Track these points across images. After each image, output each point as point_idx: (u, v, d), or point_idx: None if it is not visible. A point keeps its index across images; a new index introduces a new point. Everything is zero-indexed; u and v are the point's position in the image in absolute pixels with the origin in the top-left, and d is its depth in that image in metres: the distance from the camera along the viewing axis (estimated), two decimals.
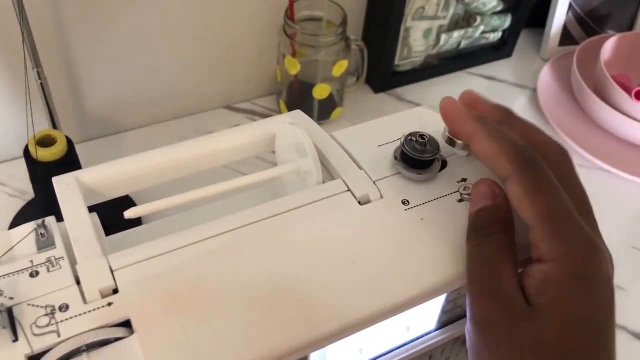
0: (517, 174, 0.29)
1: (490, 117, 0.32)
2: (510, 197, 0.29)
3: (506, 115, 0.33)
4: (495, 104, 0.33)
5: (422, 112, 0.38)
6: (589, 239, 0.27)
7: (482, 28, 0.75)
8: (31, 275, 0.28)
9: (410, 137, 0.33)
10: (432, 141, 0.33)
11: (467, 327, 0.29)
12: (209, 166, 0.36)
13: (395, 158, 0.34)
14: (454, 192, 0.33)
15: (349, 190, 0.33)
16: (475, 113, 0.32)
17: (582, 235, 0.27)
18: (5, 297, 0.27)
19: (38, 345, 0.25)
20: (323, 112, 0.68)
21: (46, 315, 0.26)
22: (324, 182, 0.34)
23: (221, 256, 0.29)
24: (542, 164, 0.29)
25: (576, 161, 0.32)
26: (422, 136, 0.32)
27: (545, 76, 0.77)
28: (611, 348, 0.27)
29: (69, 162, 0.49)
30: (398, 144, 0.34)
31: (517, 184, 0.28)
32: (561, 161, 0.31)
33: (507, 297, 0.27)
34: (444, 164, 0.34)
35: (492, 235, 0.29)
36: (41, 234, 0.30)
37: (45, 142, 0.49)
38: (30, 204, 0.57)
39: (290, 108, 0.67)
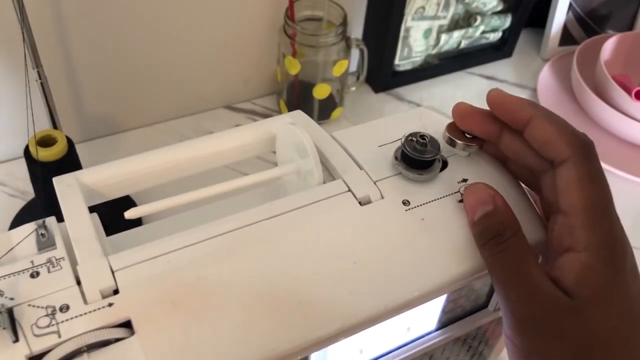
0: (575, 158, 0.28)
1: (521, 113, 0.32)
2: (560, 181, 0.29)
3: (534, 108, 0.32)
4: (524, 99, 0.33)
5: (422, 112, 0.38)
6: (622, 232, 0.28)
7: (482, 28, 0.75)
8: (31, 276, 0.28)
9: (410, 137, 0.33)
10: (433, 141, 0.33)
11: (508, 334, 0.29)
12: (209, 166, 0.36)
13: (396, 158, 0.34)
14: (455, 193, 0.33)
15: (349, 190, 0.33)
16: (526, 100, 0.32)
17: (618, 227, 0.28)
18: (6, 297, 0.27)
19: (38, 346, 0.25)
20: (323, 112, 0.68)
21: (46, 315, 0.26)
22: (324, 182, 0.34)
23: (222, 256, 0.29)
24: (597, 154, 0.29)
25: None
26: (422, 136, 0.32)
27: (545, 76, 0.77)
28: None
29: (69, 162, 0.49)
30: (398, 144, 0.34)
31: (573, 168, 0.28)
32: (591, 154, 0.30)
33: (547, 295, 0.27)
34: (445, 164, 0.34)
35: (508, 239, 0.29)
36: (41, 234, 0.30)
37: (46, 142, 0.49)
38: (30, 204, 0.57)
39: (290, 108, 0.67)
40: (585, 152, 0.29)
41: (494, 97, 0.32)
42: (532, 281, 0.28)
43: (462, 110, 0.33)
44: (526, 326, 0.28)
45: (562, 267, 0.28)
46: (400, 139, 0.33)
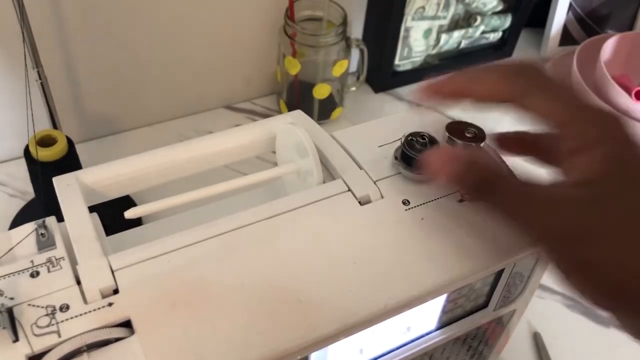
0: (526, 87, 0.28)
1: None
2: (532, 111, 0.29)
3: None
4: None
5: (422, 112, 0.38)
6: (607, 112, 0.28)
7: (482, 28, 0.75)
8: (31, 276, 0.28)
9: (410, 137, 0.33)
10: (432, 141, 0.33)
11: (553, 253, 0.27)
12: (209, 166, 0.36)
13: (396, 158, 0.34)
14: (454, 192, 0.33)
15: (349, 190, 0.33)
16: (459, 73, 0.31)
17: (601, 110, 0.28)
18: (6, 297, 0.27)
19: (38, 346, 0.25)
20: (323, 112, 0.68)
21: (46, 315, 0.26)
22: (324, 182, 0.34)
23: (222, 256, 0.29)
24: (541, 68, 0.29)
25: None
26: (422, 136, 0.32)
27: None
28: None
29: (69, 162, 0.49)
30: (398, 144, 0.34)
31: (531, 96, 0.28)
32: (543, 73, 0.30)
33: (568, 200, 0.26)
34: None
35: (496, 180, 0.28)
36: (41, 234, 0.30)
37: (46, 141, 0.49)
38: (30, 204, 0.57)
39: (290, 108, 0.67)
40: (530, 74, 0.29)
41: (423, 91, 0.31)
42: (543, 195, 0.27)
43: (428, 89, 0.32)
44: (560, 243, 0.26)
45: (571, 173, 0.27)
46: (400, 138, 0.33)
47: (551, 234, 0.26)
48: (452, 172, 0.29)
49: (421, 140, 0.32)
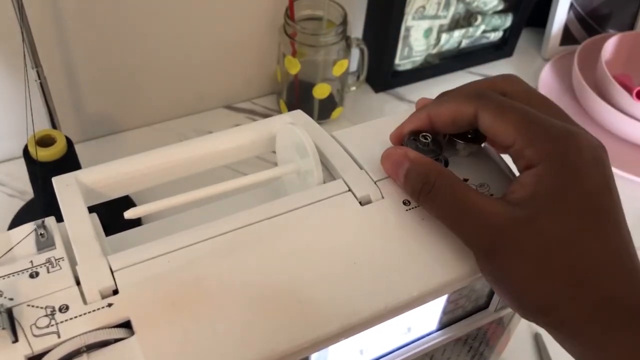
0: (482, 104, 0.30)
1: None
2: (485, 129, 0.30)
3: (446, 92, 0.33)
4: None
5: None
6: (565, 129, 0.28)
7: (482, 27, 0.75)
8: (31, 276, 0.28)
9: (413, 137, 0.33)
10: (435, 141, 0.32)
11: (480, 269, 0.29)
12: (209, 166, 0.36)
13: None
14: None
15: (349, 190, 0.33)
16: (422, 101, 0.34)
17: (558, 130, 0.28)
18: (5, 297, 0.27)
19: (38, 346, 0.25)
20: (323, 111, 0.68)
21: (46, 315, 0.26)
22: (324, 182, 0.34)
23: (221, 257, 0.29)
24: (495, 94, 0.31)
25: None
26: (424, 136, 0.32)
27: (546, 76, 0.77)
28: (619, 221, 0.28)
29: (69, 162, 0.49)
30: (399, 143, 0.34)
31: (485, 113, 0.30)
32: (513, 85, 0.32)
33: (497, 214, 0.28)
34: (446, 164, 0.34)
35: (435, 180, 0.30)
36: (41, 234, 0.30)
37: (45, 141, 0.49)
38: (29, 204, 0.57)
39: (290, 108, 0.66)
40: (482, 96, 0.30)
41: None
42: (477, 207, 0.28)
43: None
44: (489, 253, 0.28)
45: (521, 183, 0.28)
46: (403, 138, 0.33)
47: (478, 245, 0.28)
48: (399, 174, 0.31)
49: (423, 140, 0.32)
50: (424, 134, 0.32)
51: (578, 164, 0.28)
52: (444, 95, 0.33)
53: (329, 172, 0.34)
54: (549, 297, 0.27)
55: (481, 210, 0.28)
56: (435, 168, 0.30)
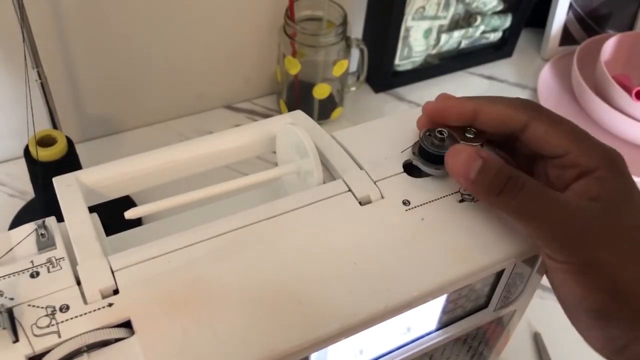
0: (534, 115, 0.32)
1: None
2: (536, 138, 0.32)
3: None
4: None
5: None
6: (606, 145, 0.31)
7: (482, 28, 0.75)
8: (31, 276, 0.28)
9: (428, 132, 0.33)
10: (451, 137, 0.33)
11: (556, 259, 0.29)
12: (209, 166, 0.36)
13: (414, 153, 0.34)
14: (455, 193, 0.33)
15: (349, 190, 0.33)
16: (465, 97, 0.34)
17: (602, 143, 0.31)
18: (6, 297, 0.27)
19: (38, 346, 0.25)
20: (323, 111, 0.68)
21: (46, 315, 0.26)
22: (324, 182, 0.34)
23: (222, 257, 0.29)
24: (542, 106, 0.33)
25: None
26: (440, 131, 0.33)
27: (546, 76, 0.77)
28: None
29: (69, 162, 0.49)
30: (399, 144, 0.34)
31: (538, 123, 0.32)
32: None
33: (580, 208, 0.29)
34: None
35: (521, 176, 0.30)
36: (41, 234, 0.30)
37: (46, 141, 0.49)
38: (30, 204, 0.57)
39: (290, 108, 0.66)
40: (537, 108, 0.32)
41: (434, 107, 0.34)
42: (561, 201, 0.29)
43: (438, 105, 0.34)
44: (571, 243, 0.29)
45: (582, 187, 0.30)
46: (419, 134, 0.33)
47: (564, 236, 0.29)
48: (470, 171, 0.31)
49: (439, 136, 0.32)
50: (440, 129, 0.33)
51: (626, 169, 0.31)
52: (492, 97, 0.34)
53: (329, 173, 0.35)
54: None
55: (566, 202, 0.29)
56: (510, 166, 0.30)
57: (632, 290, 0.28)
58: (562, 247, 0.29)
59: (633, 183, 0.30)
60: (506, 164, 0.30)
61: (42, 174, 0.49)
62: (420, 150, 0.33)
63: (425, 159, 0.33)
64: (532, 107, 0.32)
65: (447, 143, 0.32)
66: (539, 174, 0.34)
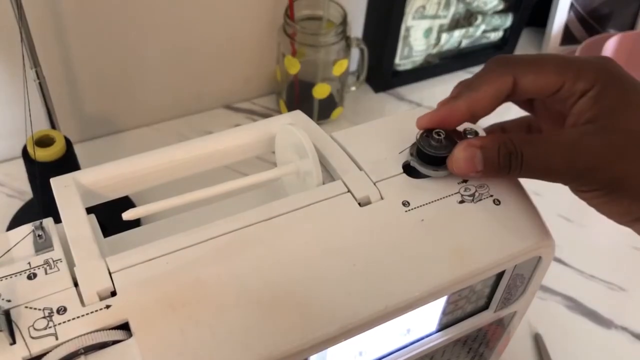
0: (515, 72, 0.32)
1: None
2: (528, 88, 0.32)
3: (463, 81, 0.35)
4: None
5: (422, 112, 0.38)
6: (597, 57, 0.32)
7: (483, 27, 0.75)
8: (29, 278, 0.28)
9: (425, 134, 0.33)
10: (448, 137, 0.32)
11: (579, 189, 0.31)
12: (209, 166, 0.36)
13: (411, 154, 0.33)
14: (455, 194, 0.33)
15: (349, 191, 0.33)
16: (444, 99, 0.34)
17: (593, 59, 0.32)
18: (3, 299, 0.27)
19: (35, 348, 0.25)
20: (323, 111, 0.68)
21: (44, 317, 0.26)
22: (323, 183, 0.33)
23: (220, 258, 0.29)
24: (513, 55, 0.33)
25: None
26: (437, 132, 0.32)
27: None
28: None
29: (68, 162, 0.49)
30: (398, 144, 0.34)
31: (522, 77, 0.32)
32: None
33: (580, 136, 0.30)
34: None
35: (518, 148, 0.30)
36: (39, 235, 0.30)
37: (44, 142, 0.48)
38: (28, 204, 0.57)
39: (290, 108, 0.66)
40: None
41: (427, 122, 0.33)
42: (562, 141, 0.30)
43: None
44: (587, 174, 0.30)
45: (579, 110, 0.31)
46: (416, 135, 0.33)
47: (583, 167, 0.30)
48: (475, 166, 0.31)
49: (436, 137, 0.32)
50: (437, 130, 0.32)
51: (623, 77, 0.31)
52: (471, 81, 0.34)
53: (329, 173, 0.34)
54: None
55: (569, 138, 0.30)
56: (506, 139, 0.31)
57: None
58: (582, 181, 0.30)
59: (630, 83, 0.31)
60: (503, 137, 0.31)
61: (40, 174, 0.48)
62: (418, 151, 0.33)
63: (423, 161, 0.33)
64: (510, 65, 0.32)
65: (445, 144, 0.32)
66: (549, 110, 0.35)
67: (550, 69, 0.31)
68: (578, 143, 0.30)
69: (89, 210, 0.31)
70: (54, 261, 0.28)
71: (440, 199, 0.33)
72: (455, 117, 0.32)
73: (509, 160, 0.30)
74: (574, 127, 0.31)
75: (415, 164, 0.33)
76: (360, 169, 0.34)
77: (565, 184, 0.31)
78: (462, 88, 0.33)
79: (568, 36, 0.80)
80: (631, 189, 0.30)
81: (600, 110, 0.30)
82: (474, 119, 0.33)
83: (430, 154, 0.32)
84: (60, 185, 0.32)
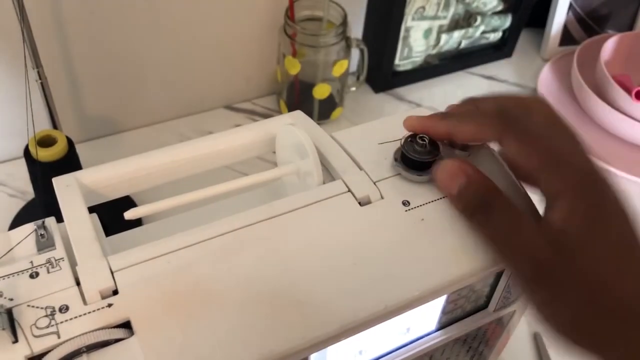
0: (506, 131, 0.30)
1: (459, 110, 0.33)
2: (508, 155, 0.31)
3: (471, 101, 0.33)
4: (458, 103, 0.34)
5: (422, 112, 0.38)
6: (587, 162, 0.29)
7: (482, 28, 0.75)
8: (31, 276, 0.28)
9: (410, 139, 0.33)
10: (432, 142, 0.33)
11: (522, 289, 0.29)
12: (210, 166, 0.36)
13: (395, 159, 0.34)
14: None
15: (349, 191, 0.33)
16: (439, 113, 0.33)
17: (581, 163, 0.29)
18: (5, 298, 0.27)
19: (38, 347, 0.25)
20: (323, 112, 0.68)
21: (46, 316, 0.26)
22: (324, 183, 0.34)
23: (221, 257, 0.29)
24: (522, 117, 0.30)
25: None
26: (422, 137, 0.32)
27: (546, 76, 0.77)
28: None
29: (69, 162, 0.49)
30: (398, 144, 0.34)
31: (510, 141, 0.30)
32: (540, 108, 0.31)
33: (542, 250, 0.28)
34: None
35: (495, 202, 0.29)
36: (41, 234, 0.30)
37: (46, 142, 0.49)
38: (30, 204, 0.57)
39: (291, 108, 0.66)
40: (509, 122, 0.30)
41: (407, 126, 0.33)
42: (527, 241, 0.28)
43: (410, 124, 0.33)
44: (534, 282, 0.28)
45: (552, 213, 0.28)
46: (400, 139, 0.33)
47: (530, 269, 0.28)
48: (453, 187, 0.31)
49: (420, 142, 0.32)
50: (421, 135, 0.33)
51: (599, 195, 0.28)
52: (468, 105, 0.33)
53: (329, 173, 0.35)
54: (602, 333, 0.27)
55: (532, 243, 0.28)
56: (493, 188, 0.30)
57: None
58: (527, 286, 0.29)
59: (604, 213, 0.28)
60: (491, 184, 0.30)
61: (42, 174, 0.49)
62: (403, 156, 0.33)
63: (407, 166, 0.33)
64: (503, 118, 0.30)
65: (429, 149, 0.32)
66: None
67: (535, 151, 0.29)
68: (541, 249, 0.28)
69: (91, 210, 0.31)
70: (56, 260, 0.29)
71: (441, 198, 0.33)
72: (436, 134, 0.32)
73: (479, 206, 0.29)
74: (545, 227, 0.29)
75: (399, 169, 0.33)
76: (361, 168, 0.34)
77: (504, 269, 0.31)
78: (460, 111, 0.33)
79: (567, 37, 0.81)
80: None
81: (568, 231, 0.28)
82: (453, 142, 0.33)
83: (414, 159, 0.32)
84: (62, 185, 0.32)
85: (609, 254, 0.27)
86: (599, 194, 0.28)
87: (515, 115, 0.30)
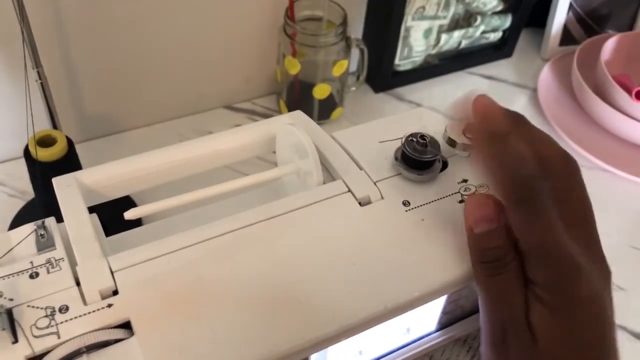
0: (511, 206, 0.29)
1: (500, 124, 0.30)
2: (510, 222, 0.29)
3: (516, 123, 0.31)
4: (506, 111, 0.32)
5: (422, 112, 0.38)
6: (574, 263, 0.28)
7: (482, 28, 0.75)
8: (31, 277, 0.28)
9: (410, 138, 0.33)
10: (433, 142, 0.33)
11: (482, 350, 0.29)
12: (210, 166, 0.36)
13: (396, 158, 0.34)
14: (455, 193, 0.33)
15: (349, 191, 0.33)
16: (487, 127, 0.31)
17: (567, 261, 0.28)
18: (5, 298, 0.27)
19: (38, 347, 0.25)
20: (323, 112, 0.68)
21: (46, 316, 0.26)
22: (324, 183, 0.34)
23: (221, 257, 0.29)
24: (537, 196, 0.28)
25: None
26: (422, 137, 0.32)
27: (546, 76, 0.77)
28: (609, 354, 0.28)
29: (69, 162, 0.49)
30: (399, 144, 0.34)
31: (512, 213, 0.29)
32: (566, 172, 0.30)
33: (521, 333, 0.28)
34: (445, 165, 0.34)
35: (508, 264, 0.28)
36: (41, 234, 0.30)
37: (45, 142, 0.49)
38: (30, 204, 0.57)
39: (291, 108, 0.66)
40: (520, 200, 0.28)
41: (480, 106, 0.31)
42: (514, 315, 0.28)
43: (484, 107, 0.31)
44: (498, 351, 0.28)
45: (533, 319, 0.28)
46: (401, 139, 0.33)
47: (492, 343, 0.29)
48: (476, 227, 0.29)
49: (421, 141, 0.32)
50: (422, 134, 0.33)
51: (580, 302, 0.28)
52: (502, 139, 0.30)
53: (329, 173, 0.35)
54: None
55: (517, 319, 0.28)
56: (511, 253, 0.28)
57: None
58: (489, 350, 0.29)
59: (576, 324, 0.28)
60: (509, 243, 0.29)
61: (41, 174, 0.48)
62: (403, 155, 0.33)
63: (407, 165, 0.33)
64: (518, 192, 0.29)
65: (429, 148, 0.32)
66: None
67: (528, 245, 0.28)
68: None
69: (91, 210, 0.32)
70: (56, 260, 0.29)
71: (440, 198, 0.33)
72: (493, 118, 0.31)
73: (489, 261, 0.29)
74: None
75: (400, 168, 0.33)
76: (361, 168, 0.34)
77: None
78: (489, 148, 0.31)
79: (567, 37, 0.81)
80: None
81: (545, 339, 0.27)
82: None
83: (415, 158, 0.32)
84: (62, 185, 0.32)
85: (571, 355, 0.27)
86: (574, 294, 0.28)
87: (525, 192, 0.28)
